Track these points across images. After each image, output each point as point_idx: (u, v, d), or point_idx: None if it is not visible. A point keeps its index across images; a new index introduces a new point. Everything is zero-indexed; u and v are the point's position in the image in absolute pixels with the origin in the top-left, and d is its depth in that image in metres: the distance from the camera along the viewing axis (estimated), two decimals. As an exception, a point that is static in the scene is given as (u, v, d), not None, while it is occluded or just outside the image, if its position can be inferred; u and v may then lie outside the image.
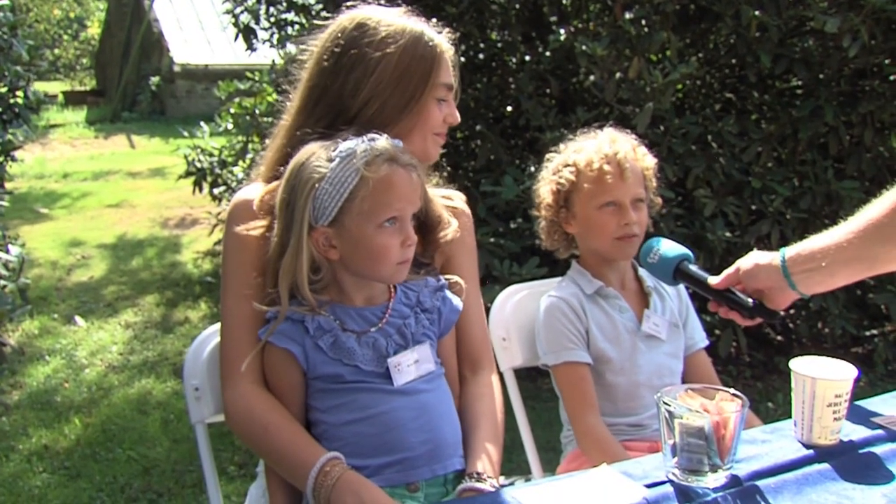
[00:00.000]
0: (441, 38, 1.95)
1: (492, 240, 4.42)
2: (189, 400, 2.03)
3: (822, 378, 1.62)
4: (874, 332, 5.12)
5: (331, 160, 1.72)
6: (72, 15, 27.32)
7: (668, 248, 2.05)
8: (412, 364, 1.80)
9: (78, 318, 6.16)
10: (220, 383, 1.85)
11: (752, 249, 5.41)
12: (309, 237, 1.74)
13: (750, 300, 1.86)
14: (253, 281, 1.82)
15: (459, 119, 2.00)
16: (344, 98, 1.87)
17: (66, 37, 26.85)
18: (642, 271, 2.43)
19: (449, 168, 5.01)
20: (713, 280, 1.92)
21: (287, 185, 1.76)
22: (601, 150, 2.30)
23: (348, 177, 1.70)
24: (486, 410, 1.93)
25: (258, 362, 1.81)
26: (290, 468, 1.72)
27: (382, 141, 1.75)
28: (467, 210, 2.13)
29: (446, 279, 1.93)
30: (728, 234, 4.47)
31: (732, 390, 1.56)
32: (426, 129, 1.93)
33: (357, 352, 1.76)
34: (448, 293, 1.92)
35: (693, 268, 2.00)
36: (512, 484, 1.85)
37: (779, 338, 5.38)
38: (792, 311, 5.26)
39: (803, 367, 1.66)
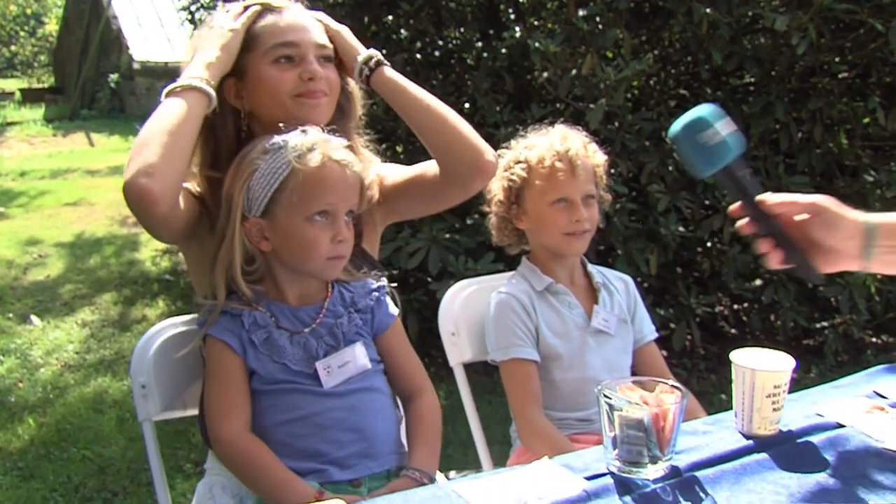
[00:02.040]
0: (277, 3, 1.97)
1: (447, 235, 4.43)
2: (136, 398, 2.03)
3: (761, 369, 1.64)
4: (825, 324, 5.19)
5: (266, 152, 1.74)
6: (29, 11, 26.97)
7: (731, 131, 1.61)
8: (343, 366, 1.80)
9: (34, 318, 6.09)
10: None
11: (705, 244, 5.40)
12: (242, 227, 1.76)
13: (797, 248, 1.62)
14: None
15: (318, 73, 1.93)
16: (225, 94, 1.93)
17: (22, 33, 26.52)
18: (592, 267, 2.46)
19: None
20: (769, 198, 1.63)
21: (228, 178, 1.79)
22: (553, 147, 2.32)
23: (279, 168, 1.73)
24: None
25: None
26: None
27: (316, 134, 1.77)
28: (376, 160, 2.17)
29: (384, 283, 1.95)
30: (681, 228, 4.51)
31: (672, 382, 1.59)
32: (279, 95, 1.89)
33: (287, 350, 1.77)
34: (387, 299, 1.93)
35: (746, 170, 1.64)
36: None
37: (732, 331, 5.45)
38: (745, 305, 5.33)
39: (743, 358, 1.67)
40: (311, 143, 1.75)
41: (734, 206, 1.66)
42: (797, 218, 1.61)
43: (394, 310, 1.94)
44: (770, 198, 1.61)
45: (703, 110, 1.62)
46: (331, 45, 1.99)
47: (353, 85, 2.08)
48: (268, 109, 1.90)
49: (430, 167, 2.06)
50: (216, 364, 1.80)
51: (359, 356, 1.83)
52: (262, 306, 1.79)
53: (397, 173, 2.13)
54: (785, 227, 1.62)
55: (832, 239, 1.59)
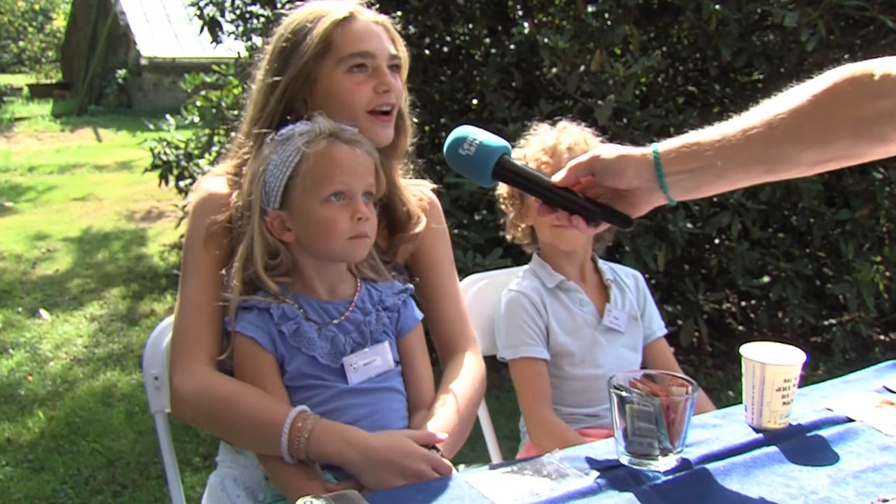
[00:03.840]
0: (341, 9, 1.88)
1: (456, 231, 4.44)
2: (149, 389, 2.04)
3: (771, 363, 1.64)
4: (832, 321, 5.19)
5: (276, 144, 1.76)
6: (37, 7, 27.07)
7: (488, 137, 1.64)
8: (368, 364, 1.80)
9: (43, 312, 6.12)
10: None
11: (713, 241, 5.37)
12: (262, 221, 1.76)
13: (595, 206, 1.59)
14: (214, 271, 1.82)
15: (393, 85, 1.88)
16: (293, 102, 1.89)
17: (31, 29, 26.62)
18: (602, 263, 2.46)
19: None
20: (556, 176, 1.61)
21: (246, 180, 1.80)
22: (544, 142, 2.31)
23: (290, 156, 1.73)
24: (445, 382, 1.93)
25: (214, 349, 1.79)
26: (258, 433, 1.69)
27: (322, 119, 1.77)
28: (434, 199, 2.13)
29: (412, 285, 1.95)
30: (689, 225, 4.51)
31: (683, 375, 1.59)
32: (354, 108, 1.85)
33: (316, 343, 1.76)
34: (412, 302, 1.93)
35: (518, 161, 1.66)
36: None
37: (740, 328, 5.45)
38: (753, 302, 5.33)
39: (753, 352, 1.68)
40: (318, 127, 1.75)
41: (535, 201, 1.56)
42: (583, 179, 1.58)
43: (418, 314, 1.93)
44: (557, 175, 1.59)
45: (457, 130, 1.66)
46: (399, 54, 1.94)
47: (407, 118, 2.04)
48: (336, 119, 1.82)
49: (439, 323, 2.07)
50: (248, 361, 1.77)
51: (384, 355, 1.83)
52: (290, 298, 1.79)
53: (435, 268, 2.09)
54: (584, 193, 1.59)
55: (623, 181, 1.55)
